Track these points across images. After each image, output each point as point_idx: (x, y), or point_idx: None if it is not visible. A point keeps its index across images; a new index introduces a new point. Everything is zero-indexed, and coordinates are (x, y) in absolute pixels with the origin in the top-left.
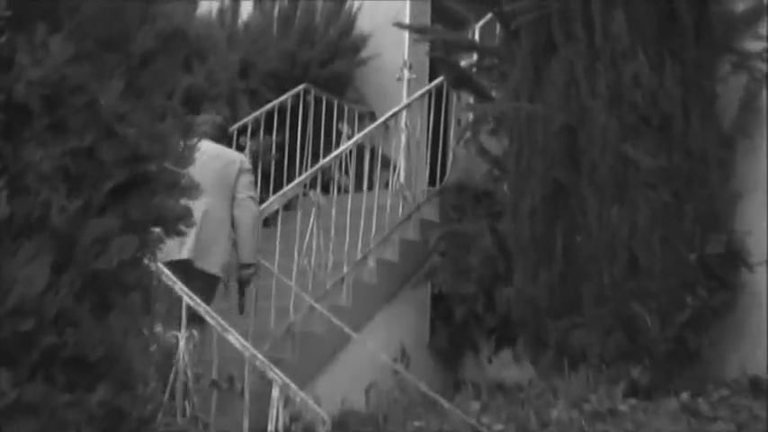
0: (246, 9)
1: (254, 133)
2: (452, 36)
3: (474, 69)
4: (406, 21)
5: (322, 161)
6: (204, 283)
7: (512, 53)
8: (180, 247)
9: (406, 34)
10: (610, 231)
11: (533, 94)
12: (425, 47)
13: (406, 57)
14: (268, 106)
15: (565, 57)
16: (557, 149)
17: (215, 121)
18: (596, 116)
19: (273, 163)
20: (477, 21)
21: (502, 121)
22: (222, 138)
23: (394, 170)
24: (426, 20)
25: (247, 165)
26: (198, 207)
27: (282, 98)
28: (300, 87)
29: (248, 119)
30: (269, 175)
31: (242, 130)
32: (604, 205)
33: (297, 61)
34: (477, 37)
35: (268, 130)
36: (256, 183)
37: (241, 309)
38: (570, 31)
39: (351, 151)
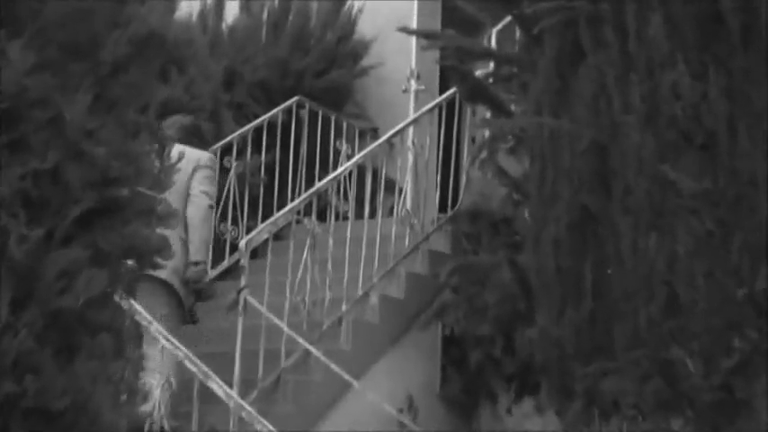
0: (232, 11)
1: (241, 153)
2: (466, 42)
3: (490, 80)
4: (414, 25)
5: (318, 184)
6: (154, 294)
7: (533, 61)
8: None
9: (414, 40)
10: (646, 264)
11: (558, 108)
12: (435, 54)
13: (413, 65)
14: (256, 122)
15: (594, 65)
16: (585, 171)
17: (182, 123)
18: (630, 133)
19: (262, 187)
20: (493, 24)
21: (522, 138)
22: (191, 141)
23: (399, 195)
24: (436, 24)
25: (206, 162)
26: None
27: (272, 113)
28: (293, 100)
29: (233, 136)
30: (257, 201)
31: (226, 149)
32: (640, 234)
33: (289, 70)
34: (493, 43)
35: (256, 149)
36: (242, 208)
37: (192, 317)
38: (600, 35)
39: (350, 173)
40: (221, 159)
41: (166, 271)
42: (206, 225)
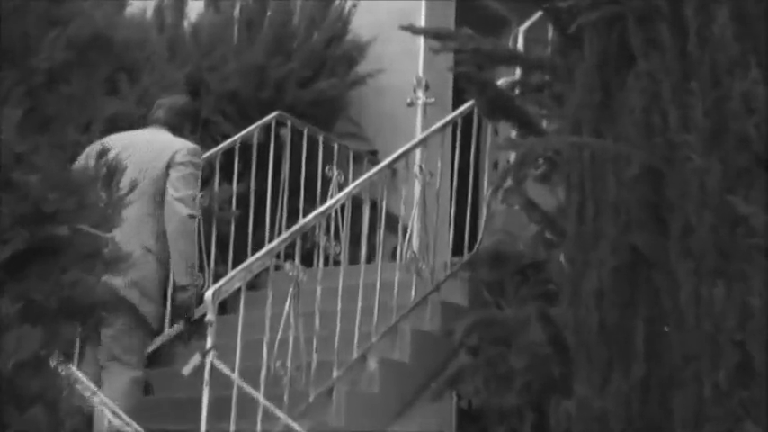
0: (196, 6)
1: (207, 181)
2: (486, 43)
3: (517, 90)
4: (421, 22)
5: (302, 221)
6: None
7: (570, 67)
8: None
9: (421, 41)
10: (711, 319)
11: (601, 125)
12: (448, 59)
13: (420, 73)
14: (226, 143)
15: (645, 72)
16: (634, 203)
17: (174, 104)
18: (690, 156)
19: (234, 223)
20: (520, 22)
21: (556, 162)
22: (182, 125)
23: (404, 233)
24: (449, 21)
25: (184, 156)
26: None
27: (246, 131)
28: (272, 116)
29: None
30: (227, 241)
31: None
32: (703, 282)
33: (267, 79)
34: (520, 45)
35: (226, 177)
36: (209, 250)
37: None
38: (653, 35)
39: (343, 206)
40: None
41: (119, 280)
42: (186, 239)
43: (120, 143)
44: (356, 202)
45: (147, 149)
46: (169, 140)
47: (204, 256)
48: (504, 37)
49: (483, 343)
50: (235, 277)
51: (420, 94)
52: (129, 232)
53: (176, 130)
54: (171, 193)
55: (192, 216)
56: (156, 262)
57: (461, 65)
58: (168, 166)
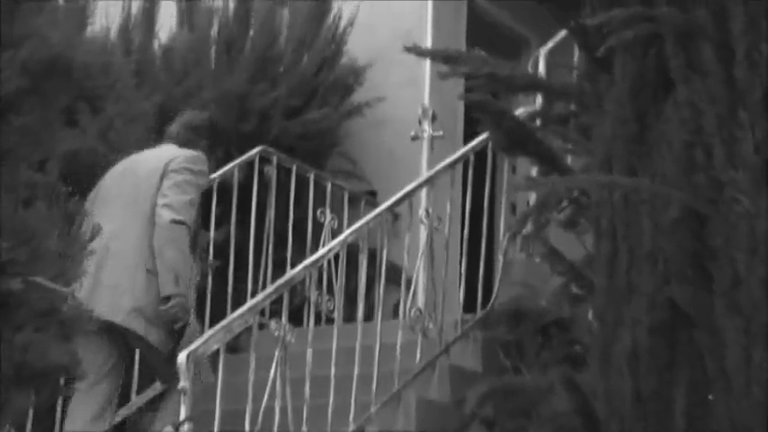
0: (167, 25)
1: None
2: (502, 67)
3: (538, 121)
4: (427, 43)
5: (290, 272)
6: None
7: (599, 95)
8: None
9: (427, 65)
10: (762, 386)
11: (635, 162)
12: (458, 86)
13: (426, 102)
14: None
15: (686, 100)
16: (674, 252)
17: (190, 121)
18: (739, 197)
19: (211, 275)
20: (541, 43)
21: (584, 205)
22: (195, 143)
23: (408, 287)
24: (460, 42)
25: (179, 163)
26: (101, 236)
27: (226, 169)
28: (255, 151)
29: None
30: (204, 296)
31: None
32: (754, 343)
33: (249, 109)
34: (542, 69)
35: (203, 221)
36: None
37: (164, 376)
38: (695, 57)
39: (337, 256)
40: None
41: (122, 312)
42: (172, 248)
43: (126, 162)
44: (352, 250)
45: (146, 166)
46: (168, 153)
47: None
48: (524, 60)
49: (499, 414)
50: (212, 338)
51: (426, 126)
52: (129, 264)
53: (189, 146)
54: (159, 201)
55: (176, 221)
56: (156, 284)
57: (474, 92)
58: (162, 178)
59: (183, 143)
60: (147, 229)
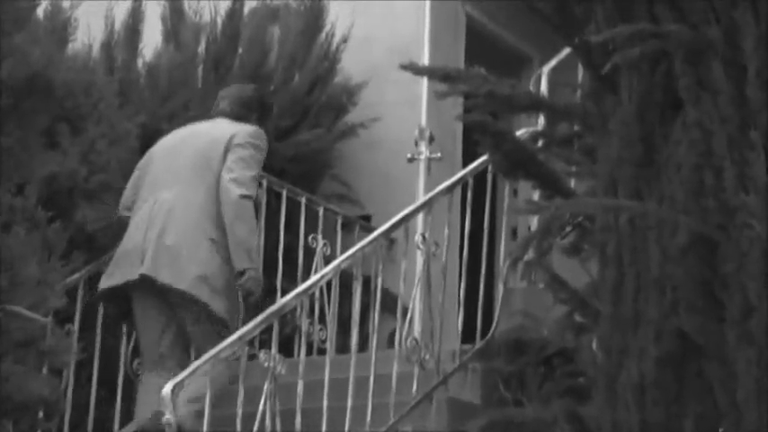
0: (152, 42)
1: None
2: (503, 87)
3: (540, 143)
4: (425, 60)
5: (280, 300)
6: (189, 310)
7: (604, 115)
8: (140, 261)
9: (424, 84)
10: None
11: (642, 185)
12: (457, 105)
13: (423, 122)
14: None
15: (695, 120)
16: (683, 279)
17: (239, 94)
18: (751, 222)
19: None
20: (544, 61)
21: (588, 230)
22: (248, 116)
23: (404, 316)
24: (459, 60)
25: (243, 138)
26: (164, 201)
27: None
28: None
29: None
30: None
31: None
32: (767, 375)
33: None
34: (544, 88)
35: None
36: None
37: (204, 349)
38: (705, 76)
39: (330, 283)
40: None
41: (187, 279)
42: (242, 223)
43: (179, 135)
44: (345, 278)
45: (206, 138)
46: (228, 127)
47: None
48: (525, 79)
49: None
50: (199, 369)
51: (423, 147)
52: (192, 227)
53: (242, 120)
54: (225, 175)
55: (245, 196)
56: (221, 255)
57: (473, 112)
58: (226, 151)
59: (236, 118)
60: (209, 200)
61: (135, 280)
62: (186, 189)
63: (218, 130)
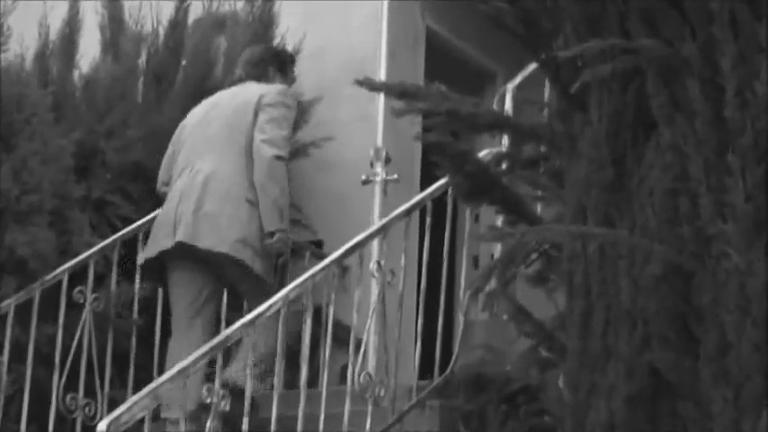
0: (89, 53)
1: (101, 279)
2: (465, 105)
3: (504, 165)
4: (381, 75)
5: (225, 331)
6: (232, 272)
7: (573, 136)
8: (172, 231)
9: (381, 101)
10: None
11: (612, 211)
12: (415, 124)
13: (379, 141)
14: (127, 230)
15: (670, 142)
16: (656, 313)
17: (249, 57)
18: (728, 251)
19: (136, 334)
20: (508, 77)
21: (555, 258)
22: (265, 72)
23: (357, 350)
24: (418, 76)
25: (273, 97)
26: (198, 171)
27: (151, 216)
28: None
29: (89, 253)
30: (127, 357)
31: (78, 274)
32: (744, 415)
33: None
34: (509, 106)
35: (126, 274)
36: (102, 368)
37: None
38: (680, 95)
39: (278, 314)
40: (69, 289)
41: (228, 242)
42: (275, 183)
43: (208, 103)
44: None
45: (236, 102)
46: (256, 88)
47: (96, 375)
48: (489, 96)
49: None
50: (137, 404)
51: (379, 168)
52: (229, 194)
53: (260, 79)
54: (257, 136)
55: (278, 157)
56: (258, 216)
57: (432, 132)
58: (256, 112)
59: (254, 78)
60: (244, 162)
61: (169, 249)
62: (220, 157)
63: (247, 92)
